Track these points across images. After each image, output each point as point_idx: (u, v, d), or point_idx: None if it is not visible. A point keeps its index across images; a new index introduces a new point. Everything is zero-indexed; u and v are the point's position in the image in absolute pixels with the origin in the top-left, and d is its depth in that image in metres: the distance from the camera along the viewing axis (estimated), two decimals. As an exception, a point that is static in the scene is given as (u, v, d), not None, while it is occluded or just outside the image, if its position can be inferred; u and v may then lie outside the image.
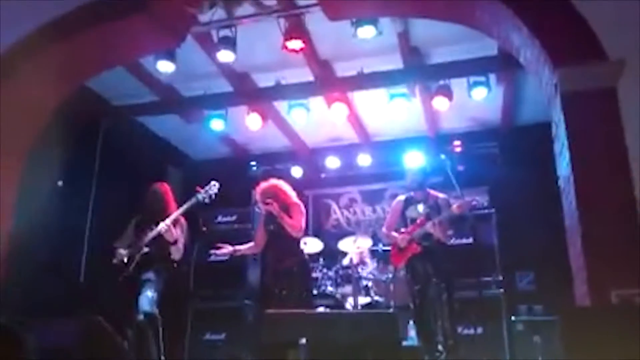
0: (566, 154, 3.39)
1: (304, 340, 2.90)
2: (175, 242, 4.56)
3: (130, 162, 5.95)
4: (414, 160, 6.07)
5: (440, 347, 4.35)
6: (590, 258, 3.16)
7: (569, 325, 2.65)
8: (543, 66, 3.67)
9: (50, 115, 4.67)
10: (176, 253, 4.60)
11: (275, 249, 4.77)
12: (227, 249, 4.95)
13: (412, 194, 4.92)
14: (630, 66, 3.36)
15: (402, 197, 5.00)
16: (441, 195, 4.84)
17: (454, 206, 4.61)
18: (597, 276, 3.15)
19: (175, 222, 4.61)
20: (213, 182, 4.80)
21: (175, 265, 4.68)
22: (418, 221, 4.76)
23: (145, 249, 4.56)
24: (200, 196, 4.73)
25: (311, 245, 6.35)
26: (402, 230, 4.84)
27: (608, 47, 3.44)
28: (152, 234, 4.56)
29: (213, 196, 4.77)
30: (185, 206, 4.68)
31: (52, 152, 4.97)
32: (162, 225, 4.53)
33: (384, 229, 5.07)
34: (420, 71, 5.99)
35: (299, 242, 4.79)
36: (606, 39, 3.44)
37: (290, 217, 4.62)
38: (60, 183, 4.35)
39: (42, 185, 4.45)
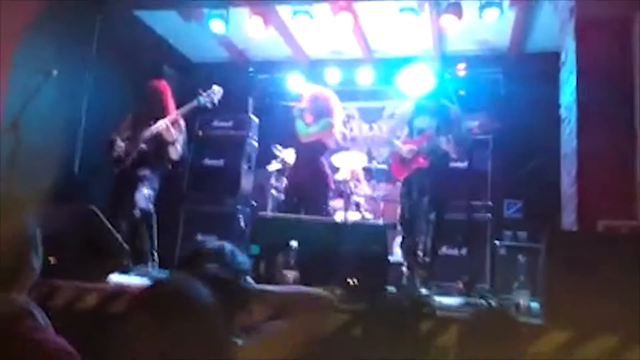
0: (572, 81, 3.35)
1: (294, 243, 2.98)
2: (173, 142, 4.54)
3: (126, 56, 5.78)
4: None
5: (419, 260, 4.37)
6: (583, 186, 3.20)
7: (552, 246, 2.72)
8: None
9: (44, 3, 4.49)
10: (174, 153, 4.59)
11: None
12: None
13: (420, 100, 4.66)
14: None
15: (411, 103, 4.75)
16: (454, 107, 4.57)
17: (475, 125, 4.37)
18: (587, 205, 3.20)
19: (173, 122, 4.57)
20: (216, 87, 4.72)
21: (171, 165, 4.69)
22: (427, 133, 4.52)
23: (143, 146, 4.55)
24: (202, 99, 4.67)
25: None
26: (407, 139, 4.62)
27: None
28: (151, 131, 4.53)
29: (215, 102, 4.71)
30: (186, 107, 4.63)
31: (47, 40, 4.81)
32: (161, 123, 4.49)
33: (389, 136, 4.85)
34: (432, -14, 5.76)
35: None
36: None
37: None
38: (55, 72, 4.21)
39: (36, 73, 4.32)
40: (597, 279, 2.56)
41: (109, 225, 3.57)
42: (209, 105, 4.71)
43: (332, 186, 5.37)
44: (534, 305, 3.12)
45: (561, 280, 2.59)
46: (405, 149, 4.52)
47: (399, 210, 4.64)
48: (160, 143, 4.55)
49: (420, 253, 4.36)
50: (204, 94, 4.68)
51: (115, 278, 3.60)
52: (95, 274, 3.38)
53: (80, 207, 3.45)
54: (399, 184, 4.87)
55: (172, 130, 4.53)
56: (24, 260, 1.59)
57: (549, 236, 2.74)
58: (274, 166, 6.12)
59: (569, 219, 3.46)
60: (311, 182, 4.91)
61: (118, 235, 3.69)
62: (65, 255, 3.23)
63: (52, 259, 3.15)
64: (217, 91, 4.72)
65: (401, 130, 4.70)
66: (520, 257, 3.70)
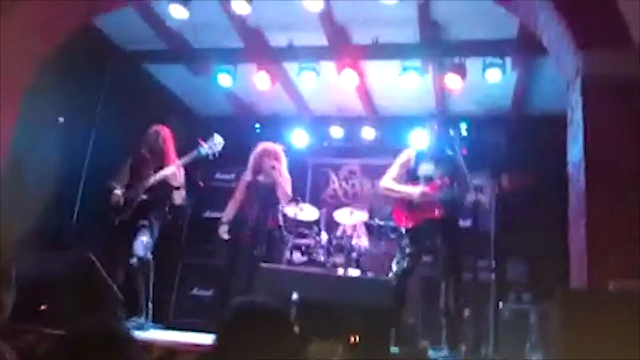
0: (580, 139, 3.32)
1: (295, 296, 2.88)
2: (178, 188, 4.51)
3: (133, 107, 5.84)
4: (421, 138, 5.92)
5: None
6: (593, 245, 3.11)
7: (565, 307, 2.61)
8: (567, 47, 3.57)
9: (55, 49, 4.55)
10: (178, 198, 4.56)
11: (257, 209, 4.81)
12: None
13: (425, 149, 4.43)
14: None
15: (411, 150, 4.52)
16: (458, 156, 4.31)
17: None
18: (597, 264, 3.10)
19: (179, 168, 4.55)
20: (217, 137, 4.72)
21: (171, 215, 4.64)
22: (439, 182, 4.23)
23: (144, 196, 4.50)
24: (202, 150, 4.65)
25: (307, 212, 6.30)
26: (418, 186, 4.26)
27: (635, 32, 3.34)
28: (155, 178, 4.49)
29: (216, 152, 4.69)
30: (188, 156, 4.61)
31: (55, 88, 4.86)
32: (171, 169, 4.46)
33: (386, 181, 4.42)
34: (436, 46, 5.87)
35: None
36: (635, 24, 3.34)
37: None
38: (61, 120, 4.23)
39: (42, 120, 4.34)
40: (612, 340, 2.44)
41: (105, 274, 3.47)
42: (210, 156, 4.69)
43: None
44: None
45: (575, 341, 2.47)
46: (417, 190, 4.19)
47: (401, 263, 4.21)
48: (164, 189, 4.51)
49: (443, 320, 4.14)
50: (205, 145, 4.67)
51: (108, 329, 3.45)
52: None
53: (77, 254, 3.36)
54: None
55: (178, 175, 4.51)
56: None
57: (560, 297, 2.64)
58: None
59: (578, 280, 3.36)
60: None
61: (113, 284, 3.59)
62: (57, 302, 3.12)
63: (43, 306, 3.03)
64: (218, 142, 4.71)
65: (400, 179, 4.40)
66: (531, 316, 3.55)
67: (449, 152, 4.44)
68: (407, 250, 4.18)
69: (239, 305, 1.53)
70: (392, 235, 4.45)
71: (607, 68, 3.31)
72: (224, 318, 1.49)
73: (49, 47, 4.52)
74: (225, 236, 4.88)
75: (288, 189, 4.97)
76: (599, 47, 3.39)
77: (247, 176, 5.17)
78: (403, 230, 4.31)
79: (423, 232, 4.21)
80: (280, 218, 5.25)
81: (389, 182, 4.44)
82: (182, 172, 4.64)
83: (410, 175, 4.39)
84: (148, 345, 3.00)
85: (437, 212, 4.15)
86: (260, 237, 4.76)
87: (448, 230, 4.19)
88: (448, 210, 4.18)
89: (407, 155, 4.48)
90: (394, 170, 4.47)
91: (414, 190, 4.21)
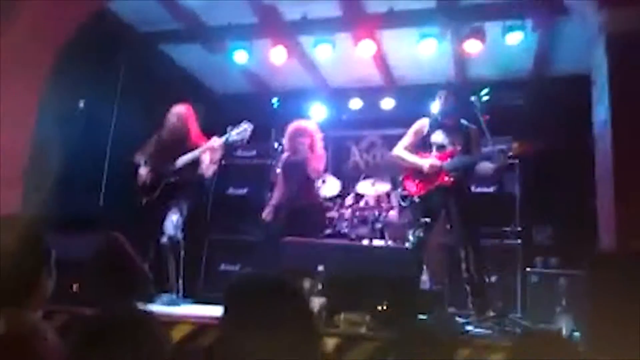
0: (605, 98, 3.25)
1: (321, 268, 2.90)
2: (211, 161, 4.55)
3: (151, 89, 5.86)
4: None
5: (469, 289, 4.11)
6: (621, 207, 3.06)
7: (595, 269, 2.59)
8: (589, 5, 3.47)
9: (71, 34, 4.57)
10: (209, 170, 4.60)
11: (292, 188, 4.83)
12: None
13: (439, 118, 4.41)
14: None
15: (425, 120, 4.51)
16: (472, 126, 4.36)
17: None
18: (627, 225, 3.06)
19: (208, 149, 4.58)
20: (245, 125, 4.63)
21: (197, 195, 4.69)
22: (449, 150, 4.30)
23: (172, 179, 4.54)
24: (231, 139, 4.59)
25: (329, 185, 6.32)
26: (424, 154, 4.32)
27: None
28: (186, 159, 4.52)
29: (245, 140, 4.66)
30: (221, 140, 4.57)
31: (74, 74, 4.90)
32: (211, 143, 4.49)
33: (398, 149, 4.48)
34: (454, 11, 5.74)
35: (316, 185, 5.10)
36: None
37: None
38: (81, 104, 4.27)
39: (63, 104, 4.39)
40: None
41: (134, 254, 3.53)
42: (238, 143, 4.66)
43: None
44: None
45: (605, 304, 2.45)
46: (427, 163, 4.24)
47: (416, 233, 4.20)
48: (193, 170, 4.55)
49: (466, 284, 4.12)
50: (234, 133, 4.59)
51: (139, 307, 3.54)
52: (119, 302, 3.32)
53: (105, 234, 3.42)
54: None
55: (211, 154, 4.57)
56: (35, 279, 1.58)
57: (591, 259, 2.61)
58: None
59: (607, 242, 3.31)
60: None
61: (142, 264, 3.65)
62: (88, 283, 3.19)
63: (74, 286, 3.10)
64: (247, 129, 4.63)
65: (413, 148, 4.42)
66: (561, 281, 3.51)
67: (462, 121, 4.41)
68: (421, 219, 4.22)
69: (237, 281, 1.50)
70: (403, 203, 4.45)
71: (632, 25, 3.20)
72: (225, 294, 1.45)
73: (65, 33, 4.55)
74: (269, 217, 5.00)
75: (319, 165, 4.99)
76: (622, 3, 3.28)
77: (282, 157, 5.25)
78: (416, 199, 4.33)
79: (435, 200, 4.24)
80: (317, 195, 5.30)
81: (400, 151, 4.49)
82: (215, 151, 4.63)
83: (424, 144, 4.41)
84: (177, 322, 3.07)
85: (446, 178, 4.18)
86: (295, 214, 4.79)
87: (460, 197, 4.20)
88: (459, 178, 4.19)
89: (420, 124, 4.49)
90: (406, 139, 4.51)
91: (424, 162, 4.26)
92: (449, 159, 4.26)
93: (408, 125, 6.53)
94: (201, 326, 3.08)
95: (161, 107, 4.99)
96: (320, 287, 2.88)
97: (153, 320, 1.46)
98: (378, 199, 6.46)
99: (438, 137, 4.36)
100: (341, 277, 2.91)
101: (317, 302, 2.96)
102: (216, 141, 4.54)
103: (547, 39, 6.12)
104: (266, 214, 5.11)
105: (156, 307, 3.69)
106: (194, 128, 4.74)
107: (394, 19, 5.81)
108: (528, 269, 5.58)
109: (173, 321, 3.11)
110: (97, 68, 5.22)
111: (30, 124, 4.18)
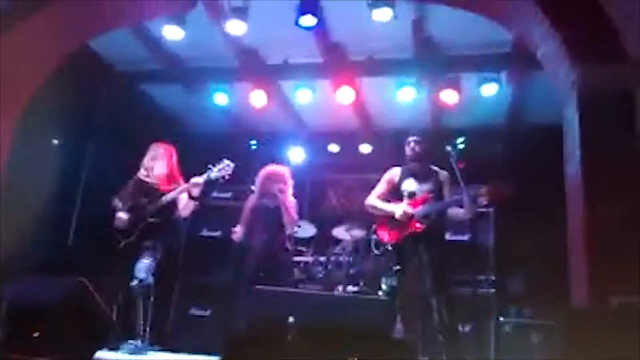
0: (576, 153, 3.31)
1: (291, 319, 2.84)
2: (192, 198, 4.48)
3: (128, 127, 5.82)
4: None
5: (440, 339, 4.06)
6: (593, 261, 3.09)
7: (568, 327, 2.59)
8: (561, 62, 3.58)
9: (51, 72, 4.55)
10: (187, 209, 4.55)
11: (264, 233, 4.78)
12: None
13: (409, 165, 4.46)
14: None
15: (397, 168, 4.54)
16: (443, 172, 4.39)
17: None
18: (598, 281, 3.07)
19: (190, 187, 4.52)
20: (226, 161, 4.62)
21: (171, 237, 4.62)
22: (420, 197, 4.29)
23: (151, 219, 4.46)
24: (212, 175, 4.55)
25: (305, 229, 6.26)
26: (396, 203, 4.33)
27: (630, 47, 3.35)
28: (167, 199, 4.46)
29: (226, 177, 4.62)
30: (203, 177, 4.52)
31: (50, 110, 4.85)
32: (192, 182, 4.42)
33: (371, 198, 4.50)
34: (431, 62, 5.88)
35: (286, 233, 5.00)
36: (629, 38, 3.34)
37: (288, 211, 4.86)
38: (55, 141, 4.20)
39: (37, 142, 4.32)
40: (616, 357, 2.41)
41: (99, 299, 3.43)
42: (220, 180, 4.62)
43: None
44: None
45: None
46: (398, 210, 4.25)
47: (389, 280, 4.23)
48: (169, 212, 4.50)
49: (440, 337, 4.05)
50: (215, 169, 4.57)
51: (103, 355, 3.41)
52: (82, 350, 3.20)
53: (70, 278, 3.32)
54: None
55: (192, 191, 4.50)
56: None
57: (563, 315, 2.61)
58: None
59: (578, 296, 3.32)
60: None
61: (109, 310, 3.54)
62: (51, 329, 3.07)
63: (36, 333, 2.98)
64: (228, 166, 4.61)
65: (385, 196, 4.46)
66: (532, 336, 3.49)
67: (434, 168, 4.47)
68: (393, 266, 4.22)
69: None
70: (376, 251, 4.45)
71: (603, 82, 3.30)
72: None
73: (45, 70, 4.53)
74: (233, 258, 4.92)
75: (294, 215, 4.96)
76: (594, 61, 3.39)
77: (253, 199, 5.16)
78: (389, 247, 4.33)
79: (407, 248, 4.23)
80: (287, 242, 5.20)
81: (373, 199, 4.52)
82: (195, 188, 4.57)
83: (396, 192, 4.44)
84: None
85: (418, 225, 4.18)
86: (265, 260, 4.73)
87: (432, 244, 4.19)
88: (431, 225, 4.19)
89: (391, 173, 4.54)
90: (379, 187, 4.56)
91: (396, 210, 4.27)
92: (420, 206, 4.27)
93: (385, 170, 6.59)
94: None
95: (139, 146, 4.94)
96: (290, 338, 2.82)
97: None
98: (354, 244, 6.42)
99: (409, 184, 4.39)
100: (312, 328, 2.86)
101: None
102: (197, 180, 4.48)
103: (521, 91, 6.29)
104: (235, 252, 4.99)
105: (121, 356, 3.55)
106: (174, 167, 4.69)
107: (373, 67, 5.94)
108: (502, 319, 5.56)
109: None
110: (74, 106, 5.17)
111: (2, 159, 4.11)
